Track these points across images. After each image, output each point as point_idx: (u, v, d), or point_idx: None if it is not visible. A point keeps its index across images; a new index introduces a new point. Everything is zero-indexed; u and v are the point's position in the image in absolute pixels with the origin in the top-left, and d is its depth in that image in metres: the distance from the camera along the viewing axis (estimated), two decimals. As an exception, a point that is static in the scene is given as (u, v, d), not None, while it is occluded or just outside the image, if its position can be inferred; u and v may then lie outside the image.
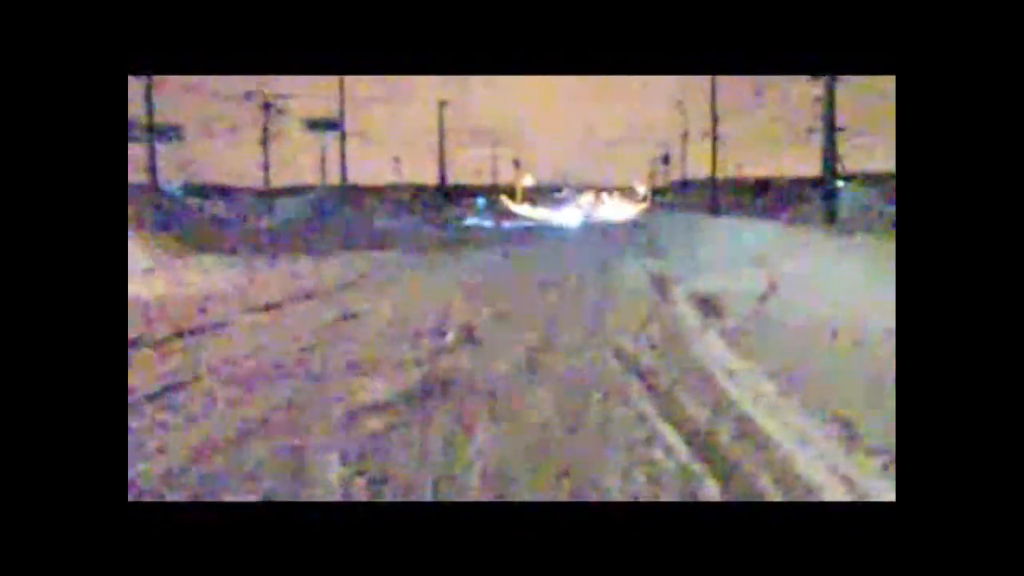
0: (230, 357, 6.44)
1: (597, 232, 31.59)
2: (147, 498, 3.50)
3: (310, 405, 5.01)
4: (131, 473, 3.73)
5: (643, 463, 3.90)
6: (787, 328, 7.19)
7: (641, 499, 3.50)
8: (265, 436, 4.37)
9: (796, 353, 6.08)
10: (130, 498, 3.38)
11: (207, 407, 4.97)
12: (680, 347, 6.80)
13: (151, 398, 5.12)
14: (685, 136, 48.97)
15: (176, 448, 4.16)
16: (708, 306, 8.73)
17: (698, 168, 46.76)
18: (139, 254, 16.76)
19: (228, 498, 3.52)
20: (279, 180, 44.04)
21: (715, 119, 37.36)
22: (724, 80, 36.57)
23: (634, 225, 37.23)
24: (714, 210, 33.94)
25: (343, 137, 42.20)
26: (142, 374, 5.79)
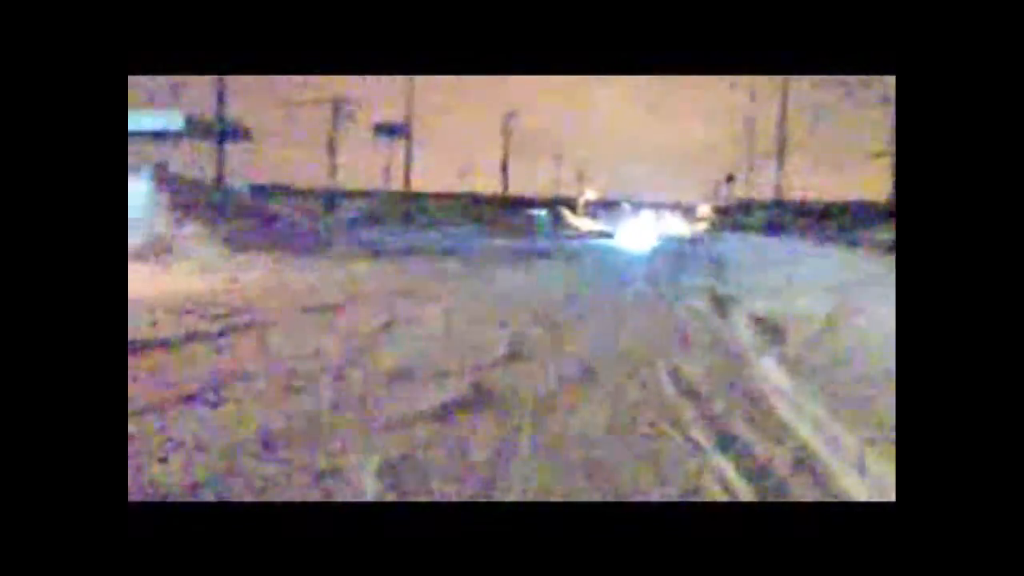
0: (273, 357, 6.38)
1: (656, 249, 31.17)
2: (168, 500, 3.40)
3: (349, 412, 4.89)
4: (150, 475, 3.66)
5: (693, 493, 3.68)
6: (849, 358, 6.86)
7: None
8: (297, 444, 4.25)
9: (858, 385, 5.77)
10: (155, 500, 3.28)
11: (243, 409, 4.88)
12: (738, 371, 6.53)
13: (187, 399, 5.07)
14: (751, 155, 48.29)
15: (206, 450, 4.07)
16: (769, 330, 8.42)
17: (763, 189, 45.99)
18: (199, 251, 17.03)
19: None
20: (344, 184, 44.61)
21: (783, 140, 36.77)
22: (794, 100, 35.95)
23: (694, 244, 36.67)
24: (778, 233, 33.31)
25: (409, 144, 42.62)
26: (183, 372, 5.75)
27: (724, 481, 3.82)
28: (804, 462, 4.09)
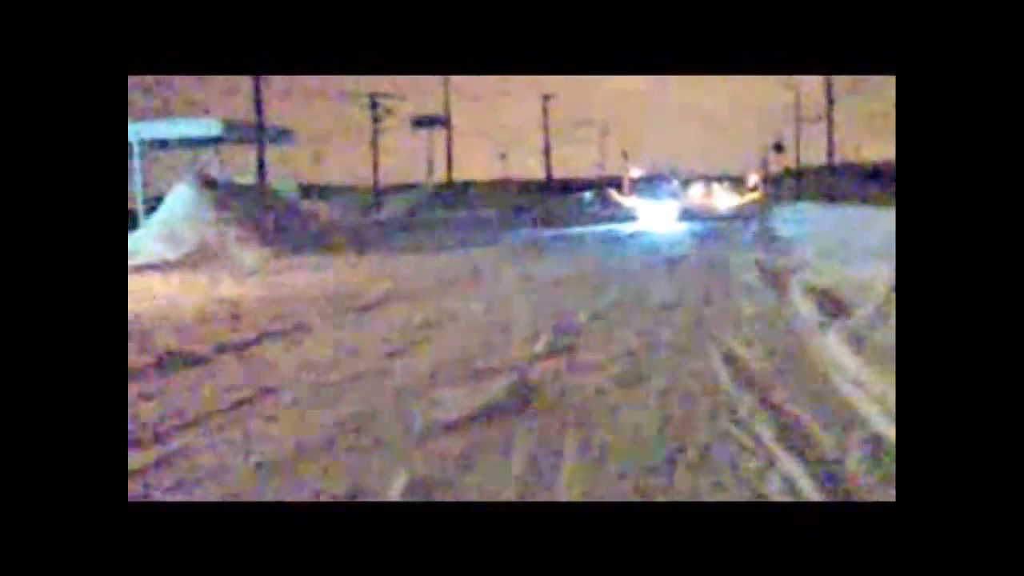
0: (305, 366, 6.11)
1: (697, 226, 30.46)
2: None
3: (384, 420, 4.59)
4: (179, 496, 3.44)
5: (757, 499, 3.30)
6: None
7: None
8: (329, 458, 3.96)
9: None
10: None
11: (275, 420, 4.62)
12: (799, 351, 6.09)
13: (221, 412, 4.83)
14: (798, 122, 46.95)
15: (238, 465, 3.82)
16: (830, 303, 7.92)
17: (814, 154, 44.75)
18: (245, 256, 16.97)
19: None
20: (388, 178, 44.57)
21: (830, 101, 35.59)
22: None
23: (743, 216, 35.74)
24: (831, 199, 32.28)
25: (449, 134, 42.36)
26: (218, 383, 5.53)
27: (792, 485, 3.42)
28: (881, 459, 3.65)
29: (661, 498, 3.36)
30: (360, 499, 3.43)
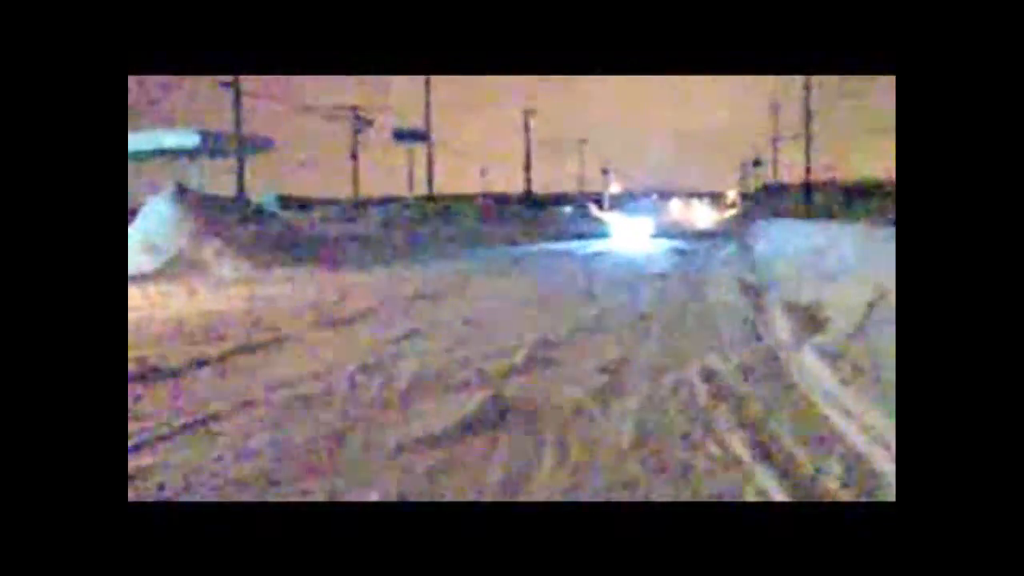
0: (280, 380, 6.03)
1: (684, 240, 30.58)
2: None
3: (360, 434, 4.55)
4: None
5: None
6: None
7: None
8: (304, 473, 3.92)
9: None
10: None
11: (248, 437, 4.56)
12: (777, 367, 6.11)
13: (188, 427, 4.77)
14: (777, 138, 47.38)
15: (201, 487, 3.76)
16: (807, 320, 7.96)
17: (791, 171, 45.16)
18: (224, 266, 16.86)
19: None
20: (368, 191, 44.52)
21: (808, 118, 35.93)
22: (817, 77, 35.10)
23: (721, 233, 35.89)
24: (809, 215, 32.54)
25: (430, 147, 42.34)
26: (187, 399, 5.46)
27: (766, 498, 3.42)
28: (857, 475, 3.66)
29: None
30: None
